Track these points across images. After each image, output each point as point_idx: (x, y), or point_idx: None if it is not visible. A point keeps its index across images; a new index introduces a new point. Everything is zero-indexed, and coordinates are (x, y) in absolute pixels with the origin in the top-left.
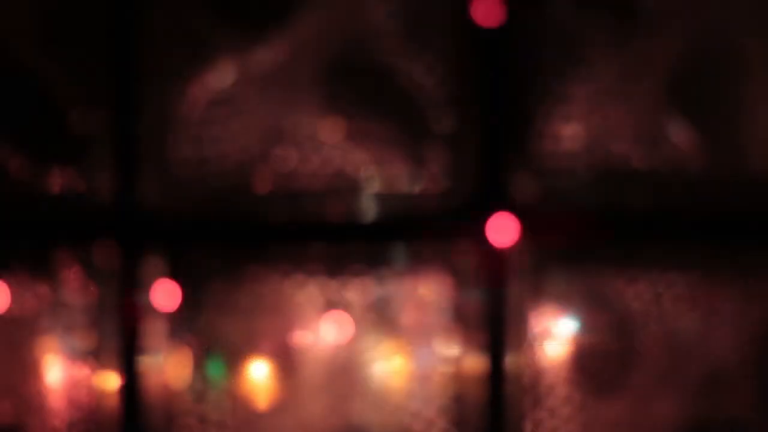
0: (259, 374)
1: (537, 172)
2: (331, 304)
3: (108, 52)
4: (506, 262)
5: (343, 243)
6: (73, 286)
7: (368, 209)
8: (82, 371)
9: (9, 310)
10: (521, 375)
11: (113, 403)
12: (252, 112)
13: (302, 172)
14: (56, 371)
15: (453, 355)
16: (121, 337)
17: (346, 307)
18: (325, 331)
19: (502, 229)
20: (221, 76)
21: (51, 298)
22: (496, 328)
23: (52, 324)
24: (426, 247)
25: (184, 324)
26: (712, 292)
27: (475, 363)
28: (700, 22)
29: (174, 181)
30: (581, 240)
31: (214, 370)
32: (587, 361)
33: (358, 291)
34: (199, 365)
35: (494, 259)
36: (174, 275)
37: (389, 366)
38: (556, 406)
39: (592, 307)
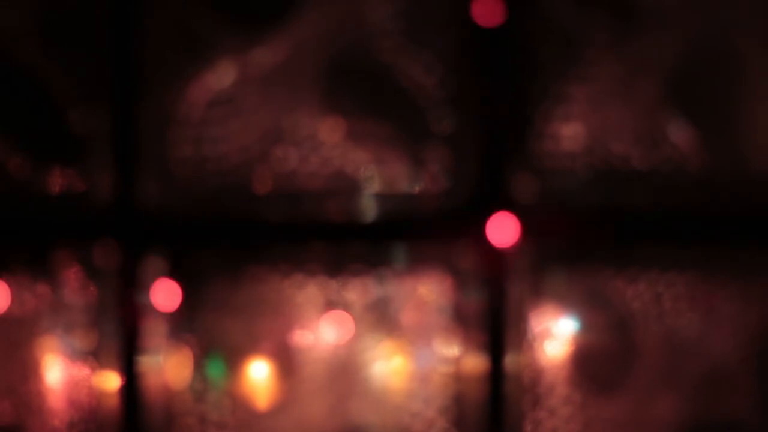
0: (259, 374)
1: (537, 172)
2: (331, 304)
3: (108, 52)
4: (506, 262)
5: (343, 243)
6: (73, 286)
7: (368, 209)
8: (82, 371)
9: (9, 310)
10: (521, 375)
11: (113, 403)
12: (252, 112)
13: (302, 172)
14: (56, 371)
15: (453, 355)
16: (121, 337)
17: (346, 307)
18: (325, 331)
19: (502, 229)
20: (221, 77)
21: (51, 298)
22: (496, 328)
23: (52, 324)
24: (426, 247)
25: (184, 324)
26: (712, 292)
27: (475, 363)
28: (700, 22)
29: (174, 181)
30: (581, 240)
31: (214, 370)
32: (587, 361)
33: (358, 291)
34: (199, 365)
35: (494, 259)
36: (174, 275)
37: (389, 366)
38: (556, 405)
39: (592, 307)
